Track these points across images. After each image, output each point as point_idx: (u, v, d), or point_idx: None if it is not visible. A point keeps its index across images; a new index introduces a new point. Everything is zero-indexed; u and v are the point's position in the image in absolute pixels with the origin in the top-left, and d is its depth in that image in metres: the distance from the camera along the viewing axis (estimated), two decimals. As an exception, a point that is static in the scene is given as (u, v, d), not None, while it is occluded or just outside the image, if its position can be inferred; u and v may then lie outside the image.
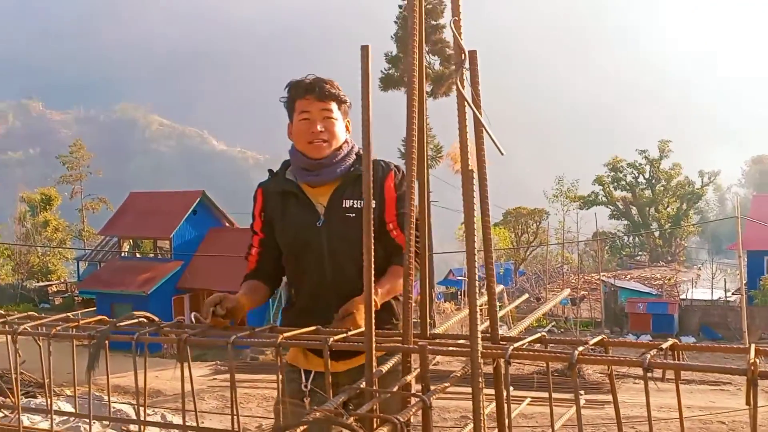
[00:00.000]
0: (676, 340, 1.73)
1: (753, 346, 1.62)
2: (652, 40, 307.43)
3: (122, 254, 36.25)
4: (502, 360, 1.85)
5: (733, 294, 36.01)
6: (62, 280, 46.07)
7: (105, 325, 2.48)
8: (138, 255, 36.25)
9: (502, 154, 1.75)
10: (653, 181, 63.72)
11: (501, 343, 1.98)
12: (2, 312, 2.63)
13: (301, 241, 2.83)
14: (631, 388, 21.45)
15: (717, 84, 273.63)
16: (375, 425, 1.68)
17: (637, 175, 64.05)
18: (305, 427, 1.69)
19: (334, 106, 2.81)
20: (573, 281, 47.23)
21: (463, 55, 1.72)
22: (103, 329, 2.40)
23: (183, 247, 32.97)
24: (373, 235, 1.85)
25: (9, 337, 2.49)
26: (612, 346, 1.86)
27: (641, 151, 64.11)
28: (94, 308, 28.59)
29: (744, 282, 25.32)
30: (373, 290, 1.82)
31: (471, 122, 1.85)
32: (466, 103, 1.70)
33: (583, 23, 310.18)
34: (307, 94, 2.79)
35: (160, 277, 31.94)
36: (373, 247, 2.71)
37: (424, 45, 1.77)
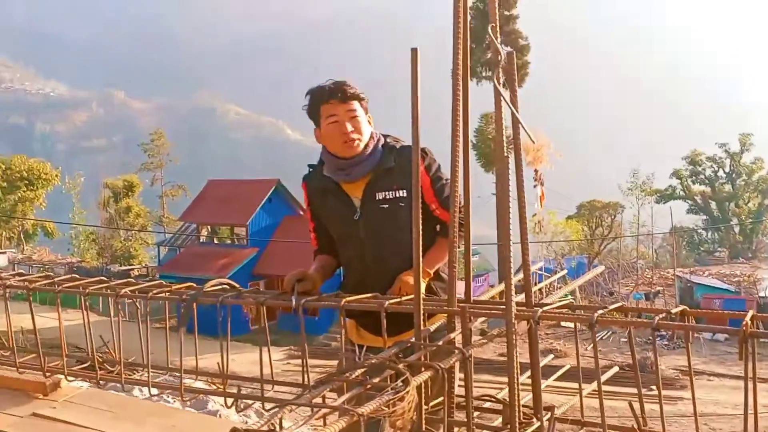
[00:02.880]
0: (686, 307, 1.97)
1: (751, 311, 1.86)
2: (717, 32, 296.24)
3: (201, 240, 37.35)
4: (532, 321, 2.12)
5: (815, 293, 34.80)
6: (143, 265, 47.53)
7: (194, 291, 2.85)
8: (216, 241, 37.30)
9: (533, 142, 2.01)
10: (734, 175, 62.01)
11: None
12: (104, 278, 3.02)
13: (343, 234, 3.20)
14: (705, 385, 21.19)
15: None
16: (421, 371, 1.97)
17: (716, 168, 62.49)
18: (363, 372, 2.00)
19: (356, 105, 3.06)
20: (648, 276, 46.43)
21: (499, 56, 1.98)
22: (192, 292, 2.77)
23: (259, 234, 33.74)
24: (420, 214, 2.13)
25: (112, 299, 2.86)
26: (627, 311, 2.10)
27: (721, 144, 62.49)
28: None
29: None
30: (420, 258, 2.11)
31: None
32: (502, 99, 1.96)
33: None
34: (332, 98, 3.03)
35: (236, 263, 32.79)
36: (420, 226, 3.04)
37: (468, 36, 2.02)
